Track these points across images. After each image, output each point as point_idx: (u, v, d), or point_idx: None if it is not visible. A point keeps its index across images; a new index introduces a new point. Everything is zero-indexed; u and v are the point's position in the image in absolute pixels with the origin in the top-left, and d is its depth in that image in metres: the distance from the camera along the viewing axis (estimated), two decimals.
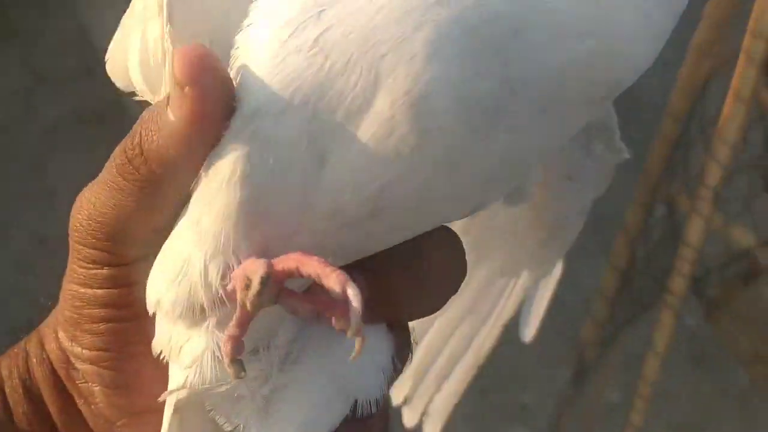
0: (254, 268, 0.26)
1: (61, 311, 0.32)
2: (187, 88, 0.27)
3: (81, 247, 0.31)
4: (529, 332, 0.54)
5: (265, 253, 0.28)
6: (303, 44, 0.27)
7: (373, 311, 0.28)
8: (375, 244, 0.30)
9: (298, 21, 0.27)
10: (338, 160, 0.28)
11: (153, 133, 0.28)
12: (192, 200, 0.29)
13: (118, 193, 0.29)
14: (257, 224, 0.28)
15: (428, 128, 0.27)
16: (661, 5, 0.29)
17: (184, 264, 0.29)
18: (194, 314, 0.29)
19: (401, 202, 0.29)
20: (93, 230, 0.30)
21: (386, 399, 0.32)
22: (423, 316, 0.33)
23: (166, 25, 0.28)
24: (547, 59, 0.28)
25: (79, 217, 0.30)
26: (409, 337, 0.33)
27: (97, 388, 0.32)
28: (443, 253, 0.32)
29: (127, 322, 0.31)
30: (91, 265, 0.31)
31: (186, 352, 0.29)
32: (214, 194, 0.28)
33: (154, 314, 0.30)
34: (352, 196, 0.28)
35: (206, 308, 0.28)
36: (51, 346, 0.33)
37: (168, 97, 0.28)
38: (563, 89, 0.28)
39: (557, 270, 0.53)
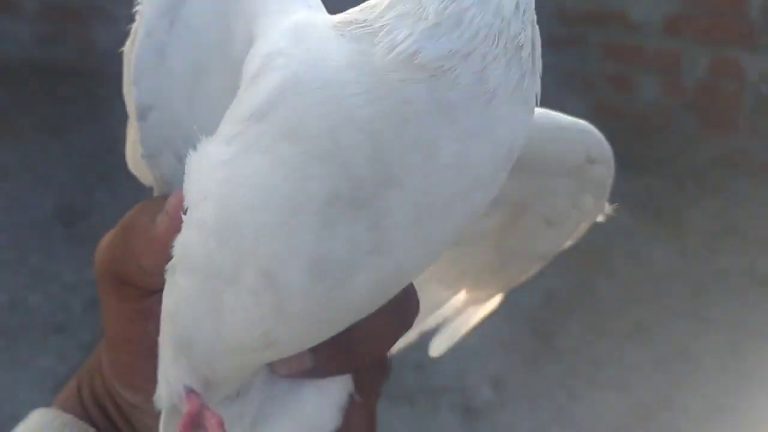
0: (189, 416, 0.36)
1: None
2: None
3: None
4: (437, 350, 0.54)
5: (197, 371, 0.37)
6: (194, 222, 0.34)
7: (327, 372, 0.38)
8: (287, 354, 0.37)
9: (191, 200, 0.35)
10: (228, 312, 0.35)
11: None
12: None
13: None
14: (186, 350, 0.37)
15: (282, 296, 0.33)
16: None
17: (162, 366, 0.38)
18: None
19: (286, 338, 0.35)
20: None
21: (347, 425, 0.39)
22: (367, 364, 0.39)
23: (138, 132, 0.38)
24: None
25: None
26: (382, 371, 0.41)
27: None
28: (386, 311, 0.36)
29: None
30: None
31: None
32: (163, 320, 0.37)
33: None
34: (246, 335, 0.35)
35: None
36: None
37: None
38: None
39: (492, 303, 0.53)
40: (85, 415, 0.44)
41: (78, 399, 0.44)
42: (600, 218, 0.47)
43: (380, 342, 0.39)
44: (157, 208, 0.37)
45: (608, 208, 0.46)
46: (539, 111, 0.38)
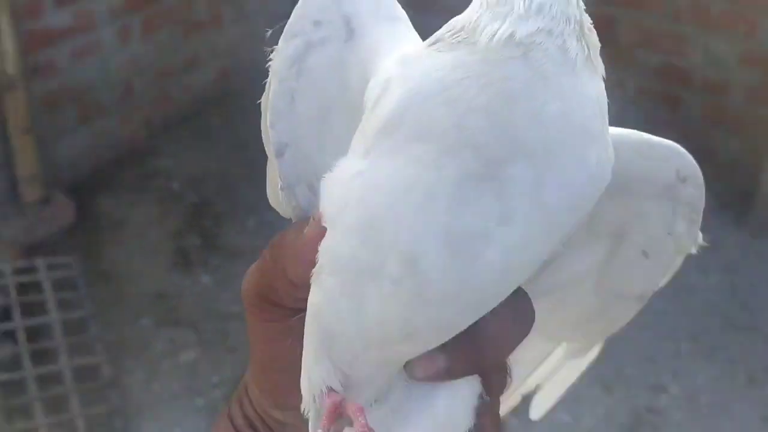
0: (328, 412, 0.40)
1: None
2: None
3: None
4: (538, 412, 0.56)
5: (338, 370, 0.40)
6: (338, 227, 0.38)
7: (460, 371, 0.40)
8: (434, 344, 0.39)
9: (331, 212, 0.39)
10: (371, 305, 0.38)
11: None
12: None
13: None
14: (329, 349, 0.40)
15: (422, 279, 0.36)
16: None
17: (305, 371, 0.42)
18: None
19: (425, 326, 0.38)
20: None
21: (481, 426, 0.42)
22: (495, 365, 0.42)
23: (276, 168, 0.43)
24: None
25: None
26: (500, 375, 0.43)
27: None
28: (509, 311, 0.39)
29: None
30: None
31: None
32: (308, 323, 0.41)
33: None
34: (388, 326, 0.38)
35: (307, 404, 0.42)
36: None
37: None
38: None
39: (591, 355, 0.54)
40: None
41: (232, 427, 0.47)
42: (693, 249, 0.47)
43: (504, 343, 0.41)
44: (300, 228, 0.41)
45: (701, 238, 0.47)
46: (627, 130, 0.44)
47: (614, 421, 2.01)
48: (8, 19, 2.18)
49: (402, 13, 0.43)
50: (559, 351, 0.54)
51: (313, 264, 0.39)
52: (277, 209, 0.47)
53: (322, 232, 0.38)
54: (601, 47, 0.39)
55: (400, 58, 0.38)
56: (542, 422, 1.93)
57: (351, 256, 0.37)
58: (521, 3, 0.36)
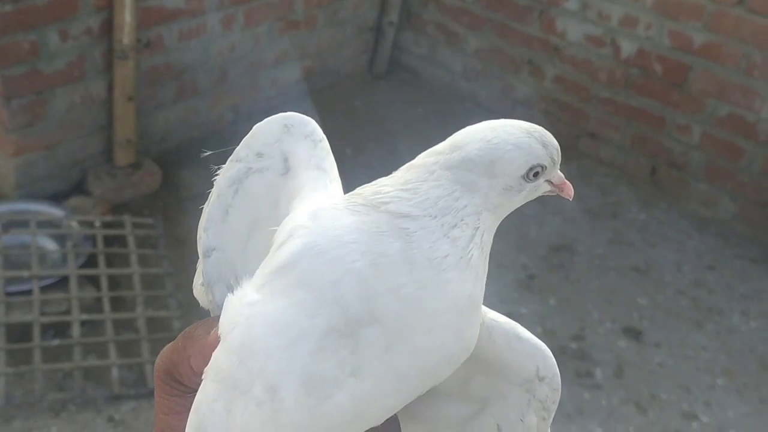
0: None
1: None
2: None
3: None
4: None
5: None
6: (226, 344, 0.44)
7: None
8: None
9: (224, 329, 0.44)
10: (237, 416, 0.43)
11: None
12: None
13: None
14: None
15: (279, 407, 0.42)
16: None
17: None
18: None
19: None
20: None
21: None
22: None
23: (201, 266, 0.50)
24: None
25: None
26: None
27: None
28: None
29: None
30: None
31: None
32: (190, 414, 0.46)
33: None
34: None
35: None
36: None
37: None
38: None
39: None
40: None
41: None
42: None
43: None
44: (211, 324, 0.46)
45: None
46: (506, 320, 0.49)
47: None
48: None
49: (330, 165, 0.49)
50: None
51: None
52: (198, 300, 0.53)
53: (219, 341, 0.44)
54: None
55: (312, 211, 0.44)
56: (574, 431, 2.05)
57: (229, 371, 0.42)
58: (424, 194, 0.43)
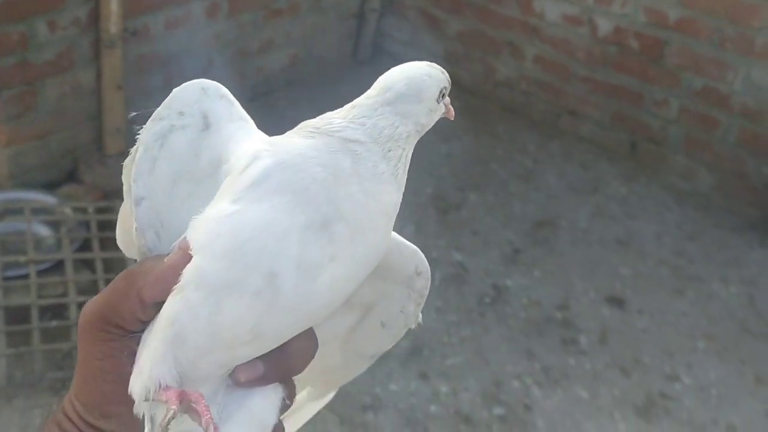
0: (170, 399, 0.49)
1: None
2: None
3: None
4: None
5: (180, 368, 0.49)
6: (207, 252, 0.49)
7: (272, 378, 0.52)
8: (265, 349, 0.51)
9: (201, 241, 0.50)
10: (227, 314, 0.48)
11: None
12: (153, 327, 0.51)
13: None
14: (178, 348, 0.49)
15: (278, 290, 0.49)
16: None
17: (141, 371, 0.50)
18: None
19: (269, 330, 0.50)
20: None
21: (279, 424, 0.53)
22: (295, 375, 0.54)
23: (133, 215, 0.54)
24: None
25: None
26: (293, 386, 0.55)
27: None
28: (302, 341, 0.53)
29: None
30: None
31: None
32: (158, 330, 0.50)
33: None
34: (239, 329, 0.49)
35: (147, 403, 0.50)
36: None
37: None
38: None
39: (326, 399, 0.69)
40: None
41: None
42: (414, 325, 0.62)
43: (303, 359, 0.53)
44: (156, 259, 0.51)
45: (420, 318, 0.62)
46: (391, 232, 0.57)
47: (629, 402, 2.17)
48: None
49: (248, 116, 0.56)
50: (303, 394, 0.67)
51: (171, 284, 0.49)
52: (122, 249, 0.61)
53: (186, 258, 0.49)
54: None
55: (268, 140, 0.53)
56: (560, 395, 2.13)
57: (217, 275, 0.48)
58: (371, 125, 0.53)
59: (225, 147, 0.54)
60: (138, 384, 0.50)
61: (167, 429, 0.48)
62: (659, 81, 2.99)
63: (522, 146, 3.20)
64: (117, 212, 2.05)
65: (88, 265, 2.32)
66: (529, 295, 2.50)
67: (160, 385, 0.49)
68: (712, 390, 2.24)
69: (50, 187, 2.55)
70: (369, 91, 0.56)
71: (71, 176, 2.63)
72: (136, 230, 0.54)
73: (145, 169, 0.54)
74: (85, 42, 2.50)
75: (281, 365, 0.52)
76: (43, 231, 2.41)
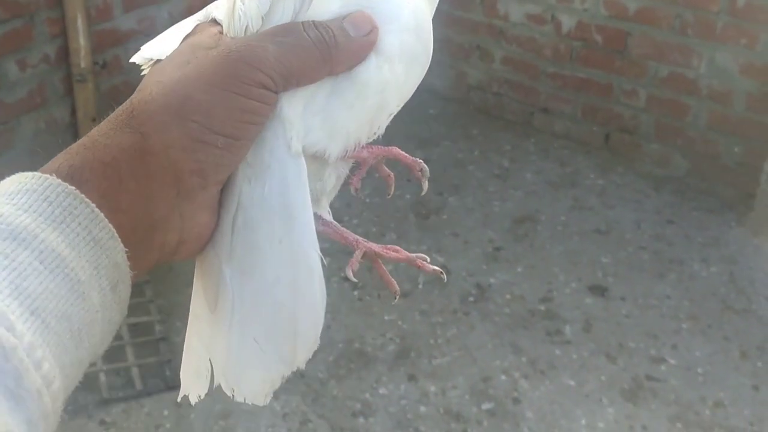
0: (372, 152, 0.55)
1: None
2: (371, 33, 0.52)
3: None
4: None
5: (373, 129, 0.55)
6: (403, 28, 0.54)
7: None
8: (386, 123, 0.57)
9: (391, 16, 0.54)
10: (411, 80, 0.55)
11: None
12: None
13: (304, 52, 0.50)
14: (383, 110, 0.54)
15: (428, 55, 0.56)
16: None
17: (340, 132, 0.54)
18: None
19: (414, 89, 0.57)
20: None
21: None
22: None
23: None
24: None
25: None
26: None
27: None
28: None
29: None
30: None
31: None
32: (369, 95, 0.53)
33: None
34: (410, 92, 0.56)
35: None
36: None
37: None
38: None
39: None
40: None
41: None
42: None
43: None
44: (336, 34, 0.51)
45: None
46: None
47: (616, 387, 2.20)
48: (83, 19, 2.47)
49: None
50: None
51: (362, 57, 0.52)
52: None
53: (373, 35, 0.52)
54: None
55: None
56: (547, 385, 2.14)
57: (411, 48, 0.54)
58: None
59: None
60: (341, 139, 0.53)
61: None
62: (626, 72, 3.03)
63: (498, 147, 3.24)
64: None
65: None
66: (512, 290, 2.53)
67: (359, 143, 0.54)
68: (698, 368, 2.26)
69: None
70: None
71: None
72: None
73: None
74: (56, 78, 2.54)
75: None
76: None
